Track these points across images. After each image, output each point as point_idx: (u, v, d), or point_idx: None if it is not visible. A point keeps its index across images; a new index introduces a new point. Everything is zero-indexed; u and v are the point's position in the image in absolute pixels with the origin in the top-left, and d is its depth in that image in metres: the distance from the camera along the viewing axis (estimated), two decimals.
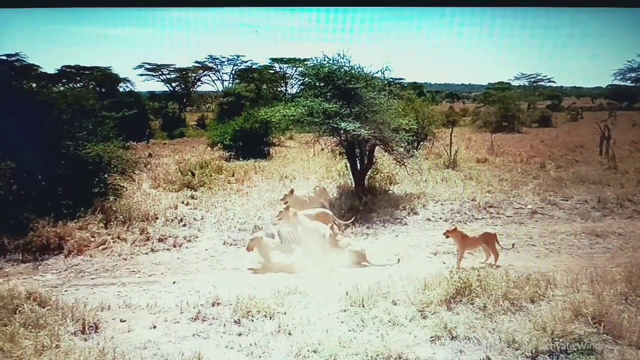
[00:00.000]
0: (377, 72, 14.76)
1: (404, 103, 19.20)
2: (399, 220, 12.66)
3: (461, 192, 14.55)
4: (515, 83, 65.13)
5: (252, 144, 22.45)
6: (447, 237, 9.79)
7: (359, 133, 12.96)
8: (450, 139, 20.44)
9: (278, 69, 53.71)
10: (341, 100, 13.60)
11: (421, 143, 22.06)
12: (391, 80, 16.07)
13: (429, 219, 12.87)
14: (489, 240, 9.89)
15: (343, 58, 14.27)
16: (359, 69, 14.36)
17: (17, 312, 7.06)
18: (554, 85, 67.68)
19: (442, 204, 13.67)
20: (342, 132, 13.66)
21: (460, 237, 9.70)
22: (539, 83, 67.88)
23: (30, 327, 6.72)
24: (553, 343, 6.01)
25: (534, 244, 11.21)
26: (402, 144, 14.10)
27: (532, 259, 10.35)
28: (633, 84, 42.00)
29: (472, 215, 13.04)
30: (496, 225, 12.52)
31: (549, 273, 8.53)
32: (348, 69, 14.14)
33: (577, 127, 35.40)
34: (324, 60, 14.41)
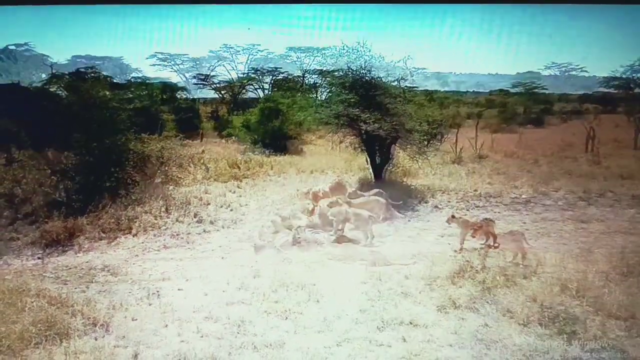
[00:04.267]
0: (398, 62, 14.30)
1: (417, 108, 18.98)
2: (411, 207, 12.57)
3: (465, 183, 14.36)
4: (513, 90, 62.44)
5: (288, 143, 22.52)
6: (450, 223, 9.84)
7: (378, 133, 12.97)
8: (456, 138, 20.18)
9: (295, 59, 52.94)
10: (363, 105, 13.54)
11: (431, 141, 21.79)
12: (406, 87, 15.82)
13: (437, 207, 12.75)
14: (488, 225, 9.79)
15: (363, 47, 13.83)
16: (380, 59, 13.93)
17: (93, 281, 7.28)
18: (546, 92, 65.35)
19: (448, 194, 13.52)
20: (363, 132, 13.64)
21: (461, 222, 9.71)
22: (534, 90, 65.49)
23: (104, 293, 6.91)
24: (542, 313, 5.95)
25: (528, 229, 11.00)
26: (415, 143, 14.01)
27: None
28: (616, 91, 40.83)
29: (474, 204, 12.88)
30: (495, 212, 12.38)
31: (539, 253, 8.42)
32: (369, 76, 13.95)
33: (567, 128, 34.49)
34: (343, 50, 13.98)
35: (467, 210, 12.49)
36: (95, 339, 5.64)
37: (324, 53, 17.09)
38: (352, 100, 13.79)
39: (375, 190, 12.03)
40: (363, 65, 13.77)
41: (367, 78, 14.05)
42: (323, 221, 10.79)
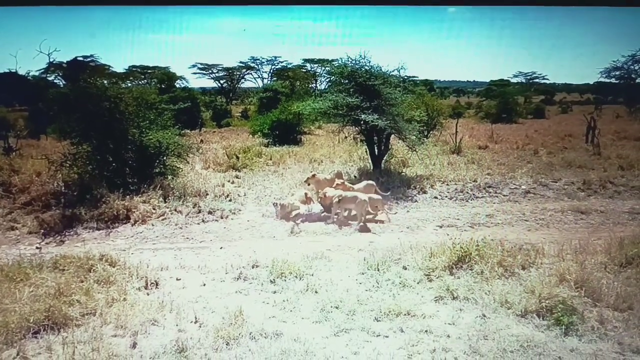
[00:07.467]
0: (393, 71, 14.69)
1: (416, 97, 18.95)
2: (410, 197, 12.56)
3: (464, 174, 14.35)
4: (514, 80, 63.93)
5: (287, 133, 22.44)
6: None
7: (377, 123, 12.94)
8: (456, 129, 20.15)
9: (309, 68, 53.79)
10: (362, 95, 13.52)
11: (431, 132, 21.80)
12: (405, 77, 15.87)
13: (436, 197, 12.74)
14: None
15: (364, 59, 14.24)
16: (377, 68, 14.27)
17: (92, 270, 7.26)
18: (547, 82, 66.25)
19: (447, 185, 13.50)
20: (362, 122, 13.63)
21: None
22: (535, 80, 66.47)
23: (102, 283, 6.91)
24: (540, 304, 5.96)
25: (527, 219, 11.04)
26: (414, 133, 14.01)
27: (524, 232, 10.22)
28: (617, 81, 40.94)
29: (474, 194, 12.87)
30: (494, 203, 12.38)
31: (538, 244, 8.43)
32: (368, 68, 14.06)
33: (567, 118, 34.60)
34: (348, 61, 14.35)
35: (467, 201, 12.51)
36: (94, 329, 5.64)
37: (333, 63, 17.77)
38: (351, 90, 13.79)
39: (365, 182, 12.01)
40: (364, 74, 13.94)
41: (366, 67, 14.03)
42: (324, 207, 11.13)
